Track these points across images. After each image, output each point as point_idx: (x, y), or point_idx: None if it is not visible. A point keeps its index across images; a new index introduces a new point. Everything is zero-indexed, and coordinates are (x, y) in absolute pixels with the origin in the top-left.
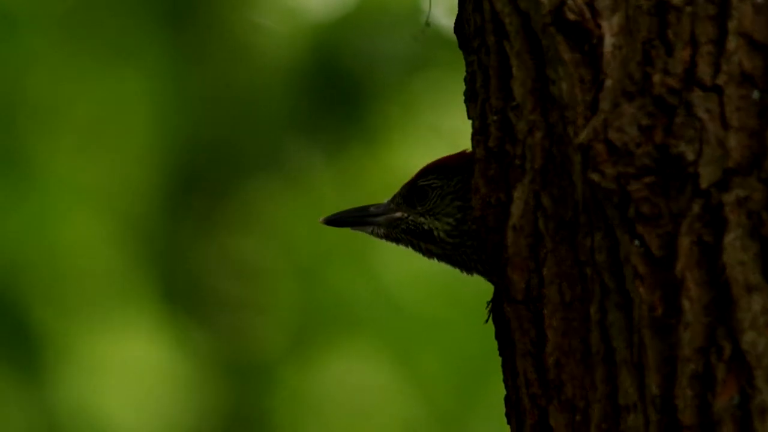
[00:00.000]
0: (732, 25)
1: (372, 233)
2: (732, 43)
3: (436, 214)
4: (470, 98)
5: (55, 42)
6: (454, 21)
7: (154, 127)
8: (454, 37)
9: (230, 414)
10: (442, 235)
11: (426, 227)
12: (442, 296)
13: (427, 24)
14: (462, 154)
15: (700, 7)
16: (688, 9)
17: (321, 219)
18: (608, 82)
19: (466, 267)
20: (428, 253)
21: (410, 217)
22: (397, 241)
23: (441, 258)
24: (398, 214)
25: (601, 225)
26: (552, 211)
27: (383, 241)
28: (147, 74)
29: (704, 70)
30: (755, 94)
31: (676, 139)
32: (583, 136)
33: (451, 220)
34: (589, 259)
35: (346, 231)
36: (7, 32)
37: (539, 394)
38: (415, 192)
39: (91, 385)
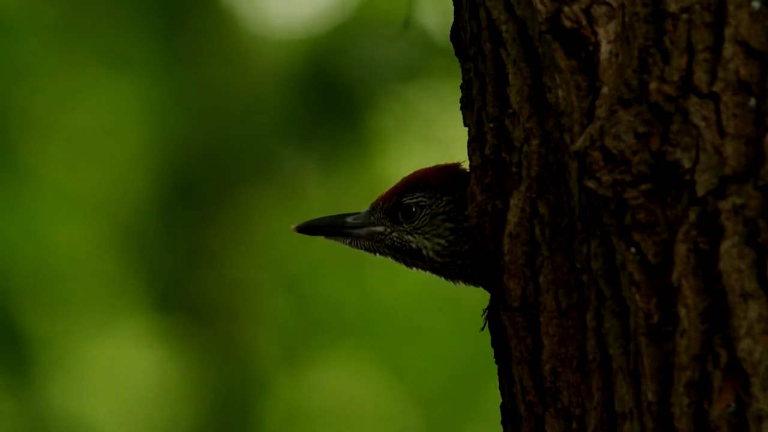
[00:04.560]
0: (728, 32)
1: (349, 244)
2: (728, 50)
3: (426, 233)
4: (466, 105)
5: (48, 49)
6: (450, 29)
7: (148, 135)
8: (447, 45)
9: (222, 423)
10: (431, 254)
11: (414, 246)
12: (434, 305)
13: (406, 26)
14: (446, 170)
15: (697, 15)
16: (685, 16)
17: (293, 226)
18: (605, 90)
19: (451, 278)
20: (412, 266)
21: (394, 234)
22: (377, 253)
23: (424, 269)
24: (380, 229)
25: (597, 232)
26: (548, 219)
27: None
28: (141, 82)
29: (701, 78)
30: (752, 102)
31: (672, 146)
32: (579, 143)
33: (443, 241)
34: (585, 267)
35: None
36: (1, 39)
37: (535, 402)
38: (400, 208)
39: (81, 391)
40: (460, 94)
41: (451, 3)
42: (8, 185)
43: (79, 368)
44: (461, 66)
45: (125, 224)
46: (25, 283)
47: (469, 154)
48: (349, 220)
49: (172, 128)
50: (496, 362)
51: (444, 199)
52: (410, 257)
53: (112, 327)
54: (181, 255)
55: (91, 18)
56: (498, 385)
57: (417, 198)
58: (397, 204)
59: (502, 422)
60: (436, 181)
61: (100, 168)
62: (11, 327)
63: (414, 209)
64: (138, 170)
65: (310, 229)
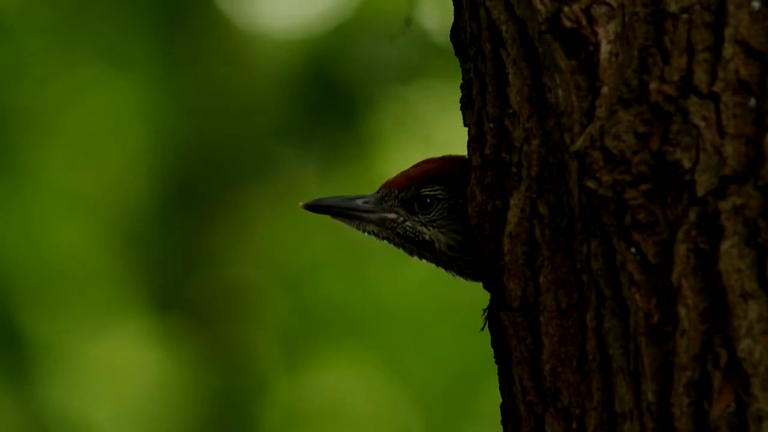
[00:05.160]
0: (728, 32)
1: (356, 227)
2: (728, 50)
3: (442, 227)
4: (466, 105)
5: (48, 49)
6: (450, 29)
7: (148, 135)
8: (447, 45)
9: (221, 423)
10: (443, 248)
11: (427, 238)
12: (434, 305)
13: (407, 24)
14: (462, 162)
15: (697, 15)
16: (685, 16)
17: (301, 203)
18: (605, 90)
19: (454, 271)
20: (418, 256)
21: (407, 223)
22: (383, 239)
23: (430, 261)
24: (392, 216)
25: (597, 232)
26: (548, 219)
27: (369, 242)
28: (141, 82)
29: (701, 78)
30: (752, 102)
31: (672, 146)
32: (579, 143)
33: (459, 237)
34: (585, 267)
35: (338, 240)
36: (1, 39)
37: (535, 402)
38: (417, 199)
39: (81, 392)
40: (460, 95)
41: (451, 3)
42: (8, 185)
43: (78, 368)
44: (461, 66)
45: (125, 224)
46: (25, 283)
47: (469, 154)
48: (359, 202)
49: (172, 128)
50: (496, 362)
51: (462, 193)
52: (420, 248)
53: (111, 327)
54: (180, 255)
55: (91, 18)
56: (498, 385)
57: (436, 191)
58: (415, 194)
59: (502, 422)
60: (454, 174)
61: (100, 168)
62: (11, 327)
63: (431, 201)
64: (138, 170)
65: (318, 207)
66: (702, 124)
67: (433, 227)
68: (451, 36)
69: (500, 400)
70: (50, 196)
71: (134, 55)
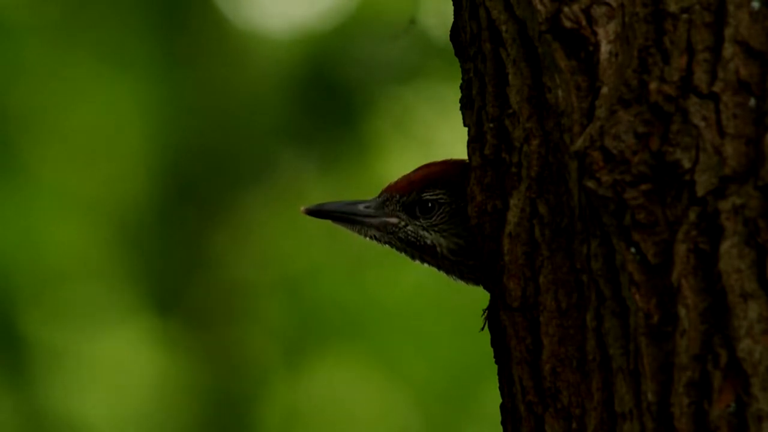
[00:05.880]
0: (728, 32)
1: (358, 232)
2: (728, 50)
3: (443, 231)
4: (466, 105)
5: (48, 49)
6: (450, 29)
7: (148, 135)
8: (447, 45)
9: (221, 424)
10: (445, 252)
11: (429, 242)
12: (434, 305)
13: (412, 22)
14: (464, 166)
15: (697, 15)
16: (685, 16)
17: (303, 208)
18: (604, 90)
19: (455, 275)
20: (420, 260)
21: (409, 227)
22: (385, 243)
23: (431, 265)
24: (394, 220)
25: (597, 232)
26: (548, 219)
27: (368, 242)
28: (141, 82)
29: (701, 78)
30: (752, 102)
31: (672, 146)
32: (579, 143)
33: (461, 241)
34: (585, 267)
35: (337, 241)
36: (1, 39)
37: (535, 402)
38: (418, 203)
39: (80, 393)
40: (459, 96)
41: (451, 3)
42: (8, 185)
43: (78, 369)
44: (461, 66)
45: (125, 225)
46: (24, 283)
47: (469, 154)
48: (360, 207)
49: (172, 128)
50: (496, 362)
51: (464, 197)
52: (421, 252)
53: (111, 327)
54: (180, 255)
55: (91, 18)
56: (498, 385)
57: (438, 195)
58: (416, 198)
59: (502, 422)
60: (456, 178)
61: (100, 168)
62: (11, 327)
63: (432, 205)
64: (138, 170)
65: (319, 212)
66: (702, 124)
67: (435, 231)
68: (451, 36)
69: (500, 400)
70: (50, 196)
71: (134, 55)
